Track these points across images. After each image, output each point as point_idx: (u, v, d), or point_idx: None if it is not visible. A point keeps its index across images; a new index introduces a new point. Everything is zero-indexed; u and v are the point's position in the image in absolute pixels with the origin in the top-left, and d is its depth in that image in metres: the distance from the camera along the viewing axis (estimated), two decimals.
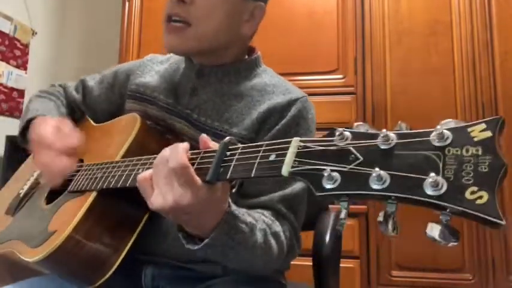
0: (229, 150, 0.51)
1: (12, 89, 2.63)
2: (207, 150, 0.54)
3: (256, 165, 0.46)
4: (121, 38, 2.47)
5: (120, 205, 0.70)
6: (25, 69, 2.72)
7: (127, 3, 2.48)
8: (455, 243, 0.35)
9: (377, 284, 1.97)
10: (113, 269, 0.67)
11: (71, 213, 0.68)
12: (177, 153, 0.52)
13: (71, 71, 3.03)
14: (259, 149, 0.48)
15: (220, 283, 0.73)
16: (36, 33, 2.80)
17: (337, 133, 0.41)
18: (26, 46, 2.73)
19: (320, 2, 2.22)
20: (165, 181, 0.53)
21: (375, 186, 0.37)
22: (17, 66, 2.66)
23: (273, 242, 0.67)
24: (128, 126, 0.78)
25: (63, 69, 3.04)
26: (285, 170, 0.43)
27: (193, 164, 0.53)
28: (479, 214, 0.32)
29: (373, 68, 2.11)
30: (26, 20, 2.72)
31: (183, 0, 0.75)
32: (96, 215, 0.68)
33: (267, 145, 0.47)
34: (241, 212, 0.62)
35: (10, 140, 2.40)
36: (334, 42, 2.17)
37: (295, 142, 0.44)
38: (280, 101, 0.78)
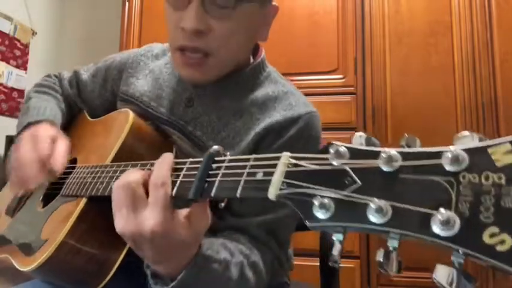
0: (215, 162, 0.45)
1: (12, 89, 2.63)
2: (193, 160, 0.48)
3: (242, 183, 0.41)
4: (121, 38, 2.47)
5: (111, 211, 0.70)
6: (25, 69, 2.73)
7: (127, 3, 2.48)
8: None
9: (377, 284, 1.97)
10: (111, 274, 0.65)
11: (62, 219, 0.67)
12: (131, 173, 0.48)
13: (71, 70, 3.04)
14: (246, 164, 0.42)
15: None
16: (36, 33, 2.80)
17: (331, 150, 0.35)
18: (26, 46, 2.73)
19: (320, 2, 2.22)
20: (141, 204, 0.47)
21: (373, 220, 0.31)
22: (17, 66, 2.66)
23: (250, 274, 0.62)
24: (120, 124, 0.75)
25: (63, 69, 3.04)
26: (272, 193, 0.38)
27: (178, 176, 0.48)
28: (500, 264, 0.26)
29: (373, 68, 2.11)
30: (26, 20, 2.72)
31: (201, 31, 0.66)
32: (87, 222, 0.66)
33: (255, 159, 0.42)
34: (215, 249, 0.56)
35: (10, 140, 2.40)
36: (334, 42, 2.17)
37: (285, 158, 0.38)
38: (280, 120, 0.71)
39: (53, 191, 0.80)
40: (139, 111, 0.80)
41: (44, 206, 0.78)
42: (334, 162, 0.35)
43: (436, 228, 0.28)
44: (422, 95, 2.04)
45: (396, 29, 2.13)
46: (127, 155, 0.68)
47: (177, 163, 0.49)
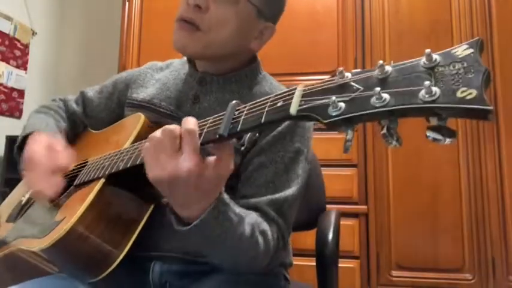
0: (237, 110, 0.54)
1: (12, 89, 2.63)
2: (216, 116, 0.56)
3: (265, 112, 0.49)
4: (121, 38, 2.47)
5: (126, 194, 0.71)
6: (25, 69, 2.73)
7: (127, 3, 2.48)
8: (453, 140, 0.40)
9: (377, 284, 1.97)
10: (117, 262, 0.66)
11: (79, 201, 0.68)
12: (188, 123, 0.55)
13: (71, 71, 3.04)
14: (267, 101, 0.50)
15: (227, 277, 0.74)
16: (36, 33, 2.81)
17: (337, 72, 0.45)
18: (26, 46, 2.73)
19: (320, 1, 2.22)
20: (170, 149, 0.54)
21: (376, 105, 0.40)
22: (17, 66, 2.66)
23: (259, 238, 0.67)
24: (131, 124, 0.80)
25: (63, 69, 3.04)
26: (293, 109, 0.46)
27: (202, 130, 0.55)
28: (470, 106, 0.36)
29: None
30: (26, 20, 2.73)
31: (199, 6, 0.76)
32: (103, 203, 0.68)
33: (274, 96, 0.50)
34: (232, 203, 0.63)
35: (10, 140, 2.40)
36: (334, 42, 2.17)
37: (300, 87, 0.48)
38: None
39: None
40: (149, 115, 0.84)
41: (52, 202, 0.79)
42: (340, 81, 0.45)
43: (424, 97, 0.38)
44: None
45: (396, 29, 2.12)
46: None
47: (201, 121, 0.57)
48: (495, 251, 1.88)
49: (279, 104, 0.49)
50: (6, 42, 2.57)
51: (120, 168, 0.67)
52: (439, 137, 0.40)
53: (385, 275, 1.97)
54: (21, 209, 0.88)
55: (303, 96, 0.47)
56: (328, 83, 0.46)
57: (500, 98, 1.97)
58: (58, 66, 3.03)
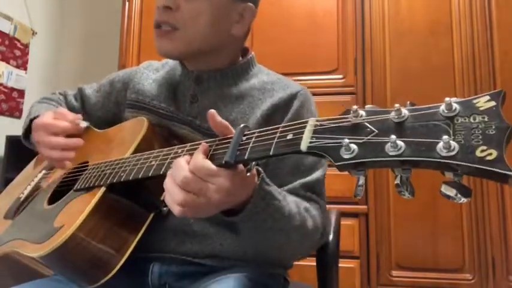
0: (245, 135, 0.53)
1: (12, 89, 2.63)
2: (222, 138, 0.56)
3: (274, 144, 0.48)
4: (121, 38, 2.47)
5: (127, 203, 0.71)
6: (25, 69, 2.73)
7: (127, 3, 2.48)
8: (468, 199, 0.38)
9: (377, 284, 1.97)
10: (118, 267, 0.66)
11: (79, 208, 0.68)
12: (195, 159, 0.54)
13: (71, 71, 3.04)
14: (276, 130, 0.50)
15: (226, 277, 0.73)
16: (36, 33, 2.81)
17: (351, 111, 0.44)
18: (26, 46, 2.73)
19: (320, 2, 2.22)
20: (199, 191, 0.54)
21: (391, 153, 0.39)
22: (17, 66, 2.66)
23: (305, 214, 0.69)
24: (135, 128, 0.80)
25: (63, 69, 3.04)
26: (304, 145, 0.45)
27: (209, 151, 0.55)
28: (489, 168, 0.34)
29: (373, 68, 2.11)
30: (26, 20, 2.72)
31: (169, 7, 0.77)
32: (104, 211, 0.68)
33: (284, 127, 0.49)
34: (272, 184, 0.63)
35: (10, 140, 2.40)
36: (334, 42, 2.17)
37: (311, 121, 0.47)
38: (282, 96, 0.81)
39: (60, 189, 0.80)
40: (150, 115, 0.85)
41: (51, 204, 0.78)
42: (354, 120, 0.43)
43: (441, 152, 0.37)
44: (422, 95, 2.04)
45: (396, 29, 2.12)
46: (145, 151, 0.71)
47: (207, 141, 0.57)
48: (495, 251, 1.88)
49: (288, 137, 0.48)
50: (6, 42, 2.57)
51: (122, 179, 0.67)
52: (453, 194, 0.38)
53: (385, 275, 1.97)
54: (20, 206, 0.88)
55: (314, 132, 0.46)
56: (342, 120, 0.44)
57: None
58: (58, 66, 3.03)
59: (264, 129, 0.51)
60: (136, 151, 0.73)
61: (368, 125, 0.42)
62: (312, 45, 2.19)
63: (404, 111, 0.41)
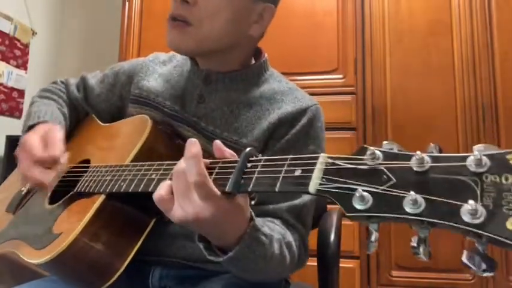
0: (250, 161, 0.49)
1: (12, 89, 2.63)
2: (226, 160, 0.52)
3: (280, 179, 0.45)
4: (121, 38, 2.47)
5: (128, 209, 0.70)
6: (25, 69, 2.73)
7: (127, 3, 2.48)
8: (491, 274, 0.35)
9: (377, 284, 1.97)
10: (118, 274, 0.66)
11: (78, 215, 0.67)
12: (194, 165, 0.50)
13: (71, 71, 3.03)
14: (284, 162, 0.46)
15: (227, 281, 0.73)
16: (36, 33, 2.80)
17: (368, 152, 0.39)
18: (26, 46, 2.73)
19: (320, 2, 2.22)
20: (184, 194, 0.51)
21: (409, 210, 0.35)
22: (17, 66, 2.66)
23: (286, 252, 0.67)
24: (138, 128, 0.77)
25: (63, 69, 3.04)
26: (312, 188, 0.41)
27: (211, 174, 0.51)
28: None
29: (373, 68, 2.11)
30: (26, 20, 2.72)
31: (186, 1, 0.73)
32: (103, 219, 0.67)
33: (292, 159, 0.46)
34: (261, 224, 0.61)
35: (10, 140, 2.40)
36: (334, 42, 2.17)
37: (323, 158, 0.43)
38: (290, 110, 0.77)
39: (62, 188, 0.80)
40: (153, 114, 0.82)
41: (51, 203, 0.78)
42: (370, 163, 0.39)
43: (466, 217, 0.33)
44: (422, 95, 2.04)
45: (396, 29, 2.12)
46: (146, 156, 0.70)
47: (210, 163, 0.53)
48: (495, 251, 1.88)
49: (296, 173, 0.44)
50: (6, 42, 2.57)
51: (122, 190, 0.65)
52: (474, 267, 0.34)
53: (385, 275, 1.97)
54: (22, 200, 0.87)
55: (325, 172, 0.42)
56: (356, 162, 0.40)
57: (500, 99, 1.97)
58: (58, 66, 3.03)
59: (271, 158, 0.48)
60: (139, 153, 0.72)
61: (386, 171, 0.38)
62: (311, 45, 2.19)
63: (427, 160, 0.36)
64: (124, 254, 0.67)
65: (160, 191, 0.54)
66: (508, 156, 0.34)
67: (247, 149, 0.50)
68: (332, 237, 0.94)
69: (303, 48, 2.19)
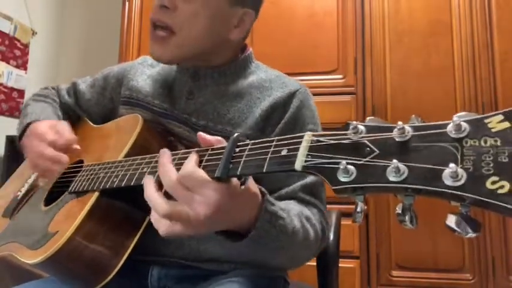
0: (238, 146, 0.50)
1: (12, 89, 2.63)
2: (214, 147, 0.52)
3: (268, 160, 0.45)
4: (121, 38, 2.47)
5: (122, 206, 0.70)
6: (25, 69, 2.73)
7: (127, 3, 2.48)
8: (476, 234, 0.35)
9: (377, 284, 1.97)
10: (115, 272, 0.66)
11: (73, 214, 0.67)
12: (169, 170, 0.51)
13: (71, 71, 3.03)
14: (270, 144, 0.47)
15: (226, 280, 0.73)
16: (36, 33, 2.80)
17: (351, 127, 0.40)
18: (26, 46, 2.73)
19: (320, 2, 2.22)
20: (184, 200, 0.50)
21: (392, 179, 0.36)
22: (17, 66, 2.66)
23: (308, 225, 0.67)
24: (129, 126, 0.78)
25: (63, 69, 3.04)
26: (298, 164, 0.42)
27: (201, 162, 0.51)
28: (501, 204, 0.31)
29: (373, 68, 2.11)
30: (26, 20, 2.72)
31: (166, 6, 0.74)
32: (98, 216, 0.67)
33: (278, 140, 0.46)
34: (274, 201, 0.60)
35: (10, 140, 2.40)
36: (334, 43, 2.17)
37: (308, 136, 0.44)
38: (280, 95, 0.79)
39: (57, 189, 0.80)
40: (144, 112, 0.83)
41: (46, 205, 0.78)
42: (353, 137, 0.40)
43: (447, 181, 0.33)
44: (422, 95, 2.04)
45: (396, 29, 2.12)
46: (139, 152, 0.69)
47: (199, 151, 0.53)
48: (495, 251, 1.88)
49: (283, 153, 0.44)
50: (6, 42, 2.57)
51: (115, 185, 0.65)
52: (459, 229, 0.35)
53: (385, 275, 1.97)
54: (18, 204, 0.87)
55: (310, 149, 0.42)
56: (340, 137, 0.41)
57: (500, 99, 1.97)
58: (58, 66, 3.03)
59: (258, 141, 0.48)
60: (131, 150, 0.72)
61: (368, 143, 0.39)
62: (312, 46, 2.19)
63: (408, 130, 0.37)
64: (121, 250, 0.67)
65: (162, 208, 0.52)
66: (486, 121, 0.35)
67: (235, 134, 0.51)
68: (331, 237, 0.94)
69: (303, 49, 2.19)
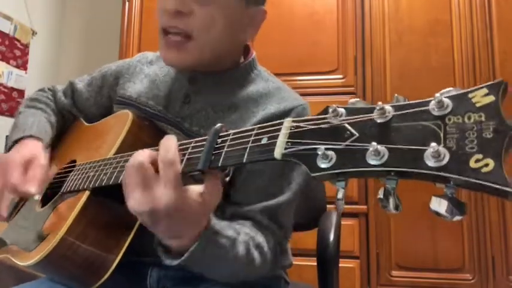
0: (220, 137, 0.48)
1: (12, 89, 2.63)
2: (198, 139, 0.51)
3: (248, 149, 0.44)
4: (121, 38, 2.47)
5: (114, 204, 0.68)
6: (25, 69, 2.72)
7: (127, 3, 2.48)
8: (462, 217, 0.33)
9: (377, 284, 1.96)
10: (110, 271, 0.65)
11: (64, 214, 0.66)
12: (142, 153, 0.50)
13: (71, 71, 3.03)
14: (251, 133, 0.45)
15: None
16: (36, 33, 2.80)
17: (330, 110, 0.39)
18: (26, 46, 2.73)
19: (320, 2, 2.22)
20: (145, 184, 0.50)
21: (372, 162, 0.34)
22: (17, 66, 2.66)
23: (255, 254, 0.65)
24: (119, 122, 0.76)
25: (63, 69, 3.04)
26: (278, 153, 0.41)
27: (184, 155, 0.50)
28: (485, 183, 0.29)
29: (373, 68, 2.11)
30: (26, 20, 2.72)
31: (182, 12, 0.69)
32: (90, 215, 0.66)
33: (259, 128, 0.45)
34: (222, 226, 0.59)
35: None
36: (334, 42, 2.17)
37: (287, 123, 0.42)
38: (274, 111, 0.74)
39: (52, 190, 0.80)
40: (137, 112, 0.81)
41: (43, 206, 0.78)
42: (333, 121, 0.38)
43: (429, 162, 0.32)
44: (422, 94, 2.03)
45: (396, 29, 2.12)
46: (128, 150, 0.68)
47: (182, 144, 0.52)
48: (495, 251, 1.88)
49: (263, 141, 0.43)
50: (6, 42, 2.57)
51: (103, 183, 0.64)
52: (442, 211, 0.33)
53: (385, 275, 1.96)
54: (16, 207, 0.87)
55: (290, 136, 0.41)
56: (320, 122, 0.39)
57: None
58: (58, 66, 3.03)
59: (239, 130, 0.47)
60: (121, 146, 0.70)
61: (348, 127, 0.37)
62: (312, 45, 2.19)
63: (389, 109, 0.36)
64: (115, 249, 0.66)
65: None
66: (470, 95, 0.32)
67: (217, 125, 0.49)
68: (331, 237, 0.94)
69: (303, 48, 2.19)
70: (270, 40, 2.17)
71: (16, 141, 0.83)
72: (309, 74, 2.14)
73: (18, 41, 2.67)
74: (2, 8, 2.54)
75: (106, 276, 0.65)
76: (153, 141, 0.76)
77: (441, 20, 2.08)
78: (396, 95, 0.37)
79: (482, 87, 0.32)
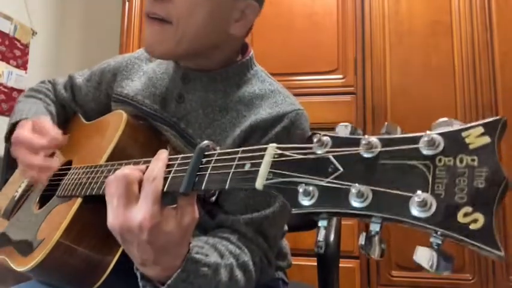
0: (206, 156, 0.46)
1: (12, 89, 2.62)
2: (184, 156, 0.49)
3: (230, 175, 0.41)
4: (121, 38, 2.47)
5: (105, 211, 0.69)
6: (25, 69, 2.72)
7: (127, 3, 2.48)
8: (448, 272, 0.30)
9: (377, 284, 1.97)
10: (106, 274, 0.65)
11: (58, 221, 0.67)
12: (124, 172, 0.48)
13: (71, 71, 3.03)
14: (235, 156, 0.43)
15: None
16: (36, 33, 2.80)
17: (315, 139, 0.36)
18: (26, 46, 2.73)
19: (320, 2, 2.22)
20: (127, 199, 0.47)
21: (355, 204, 0.32)
22: (17, 66, 2.66)
23: (239, 275, 0.63)
24: (114, 124, 0.75)
25: (63, 69, 3.04)
26: (259, 183, 0.38)
27: (169, 172, 0.48)
28: (473, 242, 0.27)
29: (373, 68, 2.11)
30: (26, 20, 2.72)
31: None
32: (83, 222, 0.66)
33: (243, 151, 0.42)
34: (205, 253, 0.57)
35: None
36: (334, 43, 2.17)
37: (271, 149, 0.40)
38: (265, 117, 0.71)
39: (49, 192, 0.80)
40: (133, 111, 0.80)
41: (40, 207, 0.78)
42: (318, 151, 0.36)
43: (414, 210, 0.29)
44: (422, 95, 2.04)
45: (396, 29, 2.12)
46: (121, 155, 0.68)
47: (169, 159, 0.50)
48: None
49: (246, 168, 0.40)
50: (6, 42, 2.57)
51: (94, 192, 0.63)
52: (426, 264, 0.30)
53: (385, 275, 1.96)
54: (15, 205, 0.88)
55: (272, 165, 0.38)
56: (305, 151, 0.37)
57: (500, 99, 1.97)
58: (58, 66, 3.03)
59: (224, 151, 0.44)
60: (114, 151, 0.70)
61: (332, 159, 0.34)
62: (312, 45, 2.19)
63: (376, 144, 0.33)
64: (109, 254, 0.66)
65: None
66: (464, 134, 0.29)
67: (202, 143, 0.47)
68: (332, 237, 0.94)
69: (303, 48, 2.19)
70: (270, 40, 2.17)
71: (14, 125, 0.83)
72: (308, 74, 2.14)
73: (18, 41, 2.67)
74: (2, 8, 2.54)
75: (102, 280, 0.65)
76: (149, 141, 0.75)
77: (441, 21, 2.08)
78: (387, 123, 0.35)
79: (478, 125, 0.29)
